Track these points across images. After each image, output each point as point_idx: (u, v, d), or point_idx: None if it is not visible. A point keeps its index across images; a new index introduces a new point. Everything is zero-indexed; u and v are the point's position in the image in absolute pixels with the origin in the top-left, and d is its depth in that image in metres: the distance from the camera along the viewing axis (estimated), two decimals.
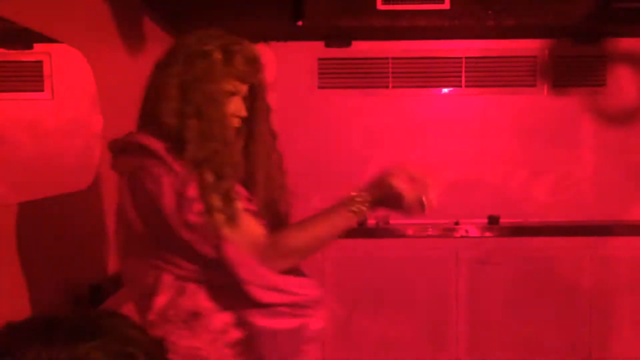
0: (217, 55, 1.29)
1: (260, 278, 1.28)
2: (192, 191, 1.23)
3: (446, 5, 2.76)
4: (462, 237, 3.36)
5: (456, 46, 3.35)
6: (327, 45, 3.34)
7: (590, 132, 3.40)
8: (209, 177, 1.24)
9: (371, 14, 2.81)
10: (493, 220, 3.37)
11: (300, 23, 2.77)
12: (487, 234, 3.37)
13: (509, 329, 3.35)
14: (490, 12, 2.79)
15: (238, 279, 1.26)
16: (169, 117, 1.26)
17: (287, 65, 3.36)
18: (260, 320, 1.30)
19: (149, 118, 1.32)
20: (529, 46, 3.34)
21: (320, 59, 3.37)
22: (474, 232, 3.37)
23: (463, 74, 3.36)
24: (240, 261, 1.26)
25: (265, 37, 3.29)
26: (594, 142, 3.40)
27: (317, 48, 3.36)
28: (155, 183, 1.24)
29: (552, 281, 3.33)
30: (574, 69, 3.35)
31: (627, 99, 3.37)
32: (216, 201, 1.24)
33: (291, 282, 1.34)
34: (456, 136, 3.40)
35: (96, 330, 0.67)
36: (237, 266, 1.25)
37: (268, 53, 3.35)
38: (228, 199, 1.25)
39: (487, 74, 3.37)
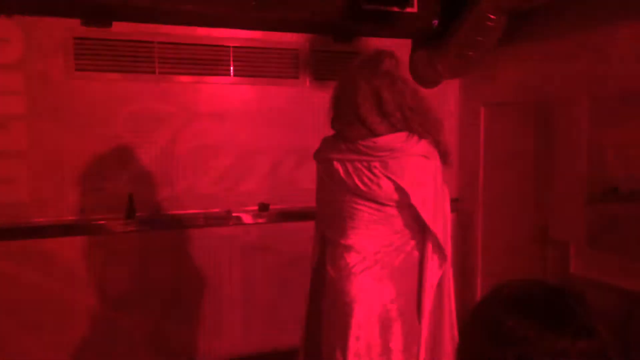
0: None
1: None
2: None
3: None
4: (234, 224, 3.41)
5: (224, 34, 3.34)
6: (85, 24, 3.04)
7: None
8: None
9: None
10: (263, 208, 3.48)
11: None
12: (259, 220, 3.47)
13: (284, 311, 3.52)
14: (253, 3, 2.85)
15: None
16: None
17: (37, 43, 2.99)
18: None
19: None
20: (292, 40, 3.50)
21: (76, 39, 3.06)
22: (247, 219, 3.44)
23: (232, 63, 3.37)
24: None
25: (10, 10, 2.88)
26: None
27: (73, 26, 3.04)
28: None
29: None
30: (332, 63, 3.60)
31: None
32: None
33: None
34: (226, 125, 3.41)
35: None
36: None
37: (13, 28, 2.94)
38: None
39: (255, 65, 3.43)
